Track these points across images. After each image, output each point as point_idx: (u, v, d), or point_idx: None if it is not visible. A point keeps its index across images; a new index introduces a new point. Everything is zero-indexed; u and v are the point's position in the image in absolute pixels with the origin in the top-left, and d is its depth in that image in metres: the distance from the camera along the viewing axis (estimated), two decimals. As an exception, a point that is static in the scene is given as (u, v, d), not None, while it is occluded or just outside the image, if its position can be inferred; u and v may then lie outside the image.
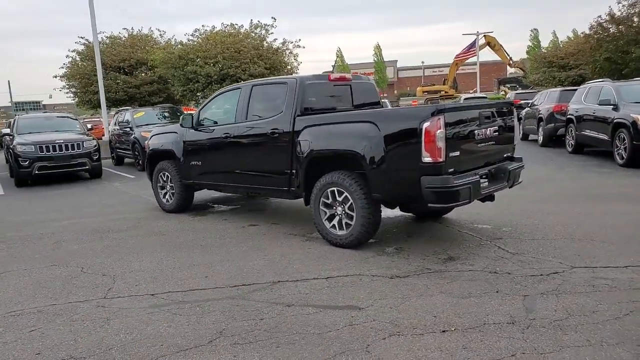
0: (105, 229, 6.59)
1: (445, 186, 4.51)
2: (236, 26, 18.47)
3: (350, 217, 5.10)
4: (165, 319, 3.58)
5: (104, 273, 4.72)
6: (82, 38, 21.15)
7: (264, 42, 18.32)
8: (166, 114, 16.60)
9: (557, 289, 3.85)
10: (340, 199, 5.16)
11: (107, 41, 21.75)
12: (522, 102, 18.96)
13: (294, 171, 5.65)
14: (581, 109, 11.93)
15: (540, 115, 14.44)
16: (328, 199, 5.26)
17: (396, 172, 4.76)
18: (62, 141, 11.87)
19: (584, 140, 11.75)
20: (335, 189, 5.18)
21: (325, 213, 5.32)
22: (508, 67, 51.08)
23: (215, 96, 7.12)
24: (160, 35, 22.07)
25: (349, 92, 6.36)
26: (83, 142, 12.12)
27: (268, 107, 6.07)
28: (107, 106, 19.89)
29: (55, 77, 21.37)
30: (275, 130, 5.79)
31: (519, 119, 17.71)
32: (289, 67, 18.45)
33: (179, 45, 17.96)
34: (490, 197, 5.37)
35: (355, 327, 3.33)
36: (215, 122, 6.80)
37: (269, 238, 5.76)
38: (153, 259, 5.14)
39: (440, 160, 4.49)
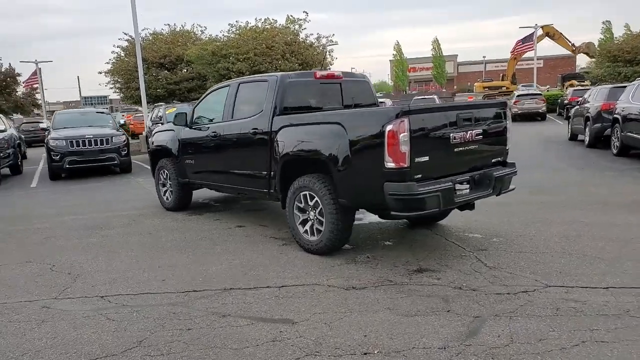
0: (99, 226, 6.72)
1: (408, 193, 4.22)
2: (271, 21, 18.50)
3: (321, 223, 4.90)
4: (96, 324, 3.55)
5: (70, 272, 4.78)
6: (126, 34, 21.92)
7: (298, 37, 18.23)
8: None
9: (516, 310, 3.50)
10: (311, 204, 4.98)
11: (150, 37, 22.41)
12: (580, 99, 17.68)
13: (272, 173, 5.51)
14: (627, 108, 11.01)
15: (587, 114, 13.42)
16: (301, 202, 5.09)
17: (360, 177, 4.51)
18: (91, 136, 12.31)
19: (628, 141, 10.84)
20: (307, 192, 5.00)
21: (299, 217, 5.15)
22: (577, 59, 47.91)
23: (208, 94, 7.08)
24: (201, 31, 22.52)
25: (339, 91, 6.12)
26: (112, 137, 12.51)
27: (251, 105, 5.95)
28: (147, 102, 20.53)
29: (100, 72, 22.28)
30: (256, 130, 5.67)
31: (568, 118, 16.62)
32: (323, 63, 18.23)
33: (215, 42, 18.19)
34: (469, 206, 5.01)
35: (276, 344, 3.15)
36: (210, 120, 6.76)
37: (248, 241, 5.66)
38: (125, 259, 5.16)
39: (405, 165, 4.20)
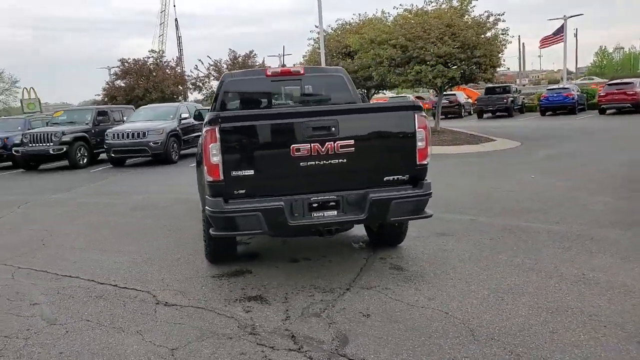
0: (139, 207, 7.97)
1: (215, 211, 3.95)
2: (436, 2, 17.33)
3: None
4: None
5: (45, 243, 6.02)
6: (317, 27, 23.50)
7: (464, 18, 16.62)
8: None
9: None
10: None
11: (336, 28, 23.50)
12: None
13: None
14: None
15: None
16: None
17: (202, 191, 4.38)
18: (130, 130, 14.28)
19: None
20: None
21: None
22: None
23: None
24: (386, 17, 22.46)
25: (299, 87, 5.78)
26: (148, 131, 14.11)
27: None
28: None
29: (294, 65, 24.54)
30: None
31: None
32: (496, 47, 16.13)
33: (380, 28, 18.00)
34: (328, 232, 4.26)
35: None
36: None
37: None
38: (96, 238, 6.19)
39: (218, 179, 3.94)
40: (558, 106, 28.03)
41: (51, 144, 14.13)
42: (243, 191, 4.00)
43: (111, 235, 6.52)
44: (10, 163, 15.64)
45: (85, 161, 14.82)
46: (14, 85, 68.02)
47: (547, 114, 28.29)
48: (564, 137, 16.13)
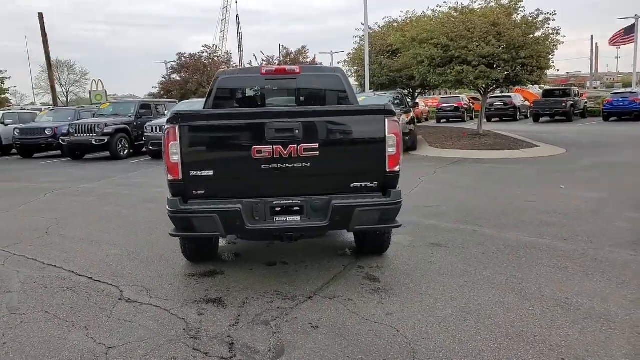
0: (153, 200, 8.16)
1: (172, 210, 3.93)
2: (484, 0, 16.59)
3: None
4: None
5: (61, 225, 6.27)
6: (363, 25, 23.20)
7: (512, 17, 15.79)
8: (390, 99, 16.88)
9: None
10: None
11: (382, 26, 23.11)
12: None
13: None
14: None
15: None
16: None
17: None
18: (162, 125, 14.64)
19: None
20: None
21: None
22: None
23: None
24: (436, 15, 21.81)
25: (294, 86, 5.67)
26: None
27: None
28: (371, 89, 21.52)
29: (338, 62, 24.39)
30: None
31: None
32: (545, 47, 15.22)
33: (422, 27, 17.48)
34: (288, 237, 4.11)
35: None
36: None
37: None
38: (100, 224, 6.38)
39: (177, 178, 3.92)
40: (623, 112, 26.28)
41: (94, 135, 14.82)
42: (202, 192, 3.96)
43: (115, 227, 6.70)
44: (59, 152, 16.58)
45: (125, 152, 15.44)
46: (84, 77, 72.34)
47: (610, 119, 26.59)
48: (617, 146, 15.04)
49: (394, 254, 5.18)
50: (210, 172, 3.92)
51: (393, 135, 3.99)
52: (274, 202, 3.98)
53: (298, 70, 5.63)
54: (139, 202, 8.33)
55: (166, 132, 3.88)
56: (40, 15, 28.88)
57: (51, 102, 33.75)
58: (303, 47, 38.33)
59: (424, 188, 9.11)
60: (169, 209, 3.98)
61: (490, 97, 36.71)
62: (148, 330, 3.59)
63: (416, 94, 24.93)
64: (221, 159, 3.99)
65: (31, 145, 16.87)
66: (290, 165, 3.91)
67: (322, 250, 5.39)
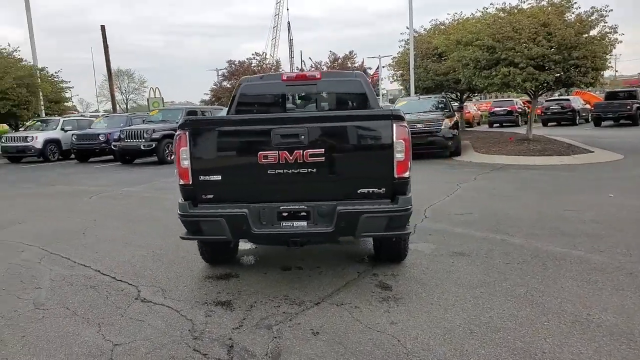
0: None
1: (182, 214, 4.04)
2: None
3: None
4: None
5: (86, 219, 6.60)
6: (407, 28, 22.95)
7: (564, 16, 15.08)
8: (434, 103, 16.59)
9: None
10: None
11: (428, 29, 22.72)
12: None
13: None
14: None
15: None
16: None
17: None
18: None
19: None
20: None
21: None
22: None
23: None
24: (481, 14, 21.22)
25: (314, 92, 5.70)
26: None
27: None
28: (416, 93, 21.23)
29: (384, 66, 24.20)
30: None
31: None
32: (601, 47, 14.41)
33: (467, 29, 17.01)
34: (293, 243, 4.09)
35: None
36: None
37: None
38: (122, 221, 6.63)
39: (188, 183, 4.02)
40: (697, 115, 24.48)
41: (142, 140, 15.47)
42: (211, 196, 4.04)
43: (146, 229, 6.95)
44: (112, 156, 17.42)
45: (172, 157, 15.94)
46: (142, 85, 75.85)
47: (684, 123, 24.82)
48: (683, 152, 14.02)
49: (412, 262, 5.06)
50: (219, 177, 3.99)
51: (402, 140, 3.90)
52: (281, 207, 4.00)
53: (319, 76, 5.65)
54: (173, 206, 8.53)
55: (177, 137, 3.99)
56: (102, 28, 30.59)
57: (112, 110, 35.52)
58: (351, 52, 38.41)
59: (460, 195, 8.85)
60: (179, 212, 4.08)
61: (547, 101, 35.37)
62: (155, 329, 3.69)
63: (464, 98, 24.31)
64: (229, 164, 4.06)
65: (87, 150, 17.87)
66: (296, 171, 3.92)
67: (339, 256, 5.35)
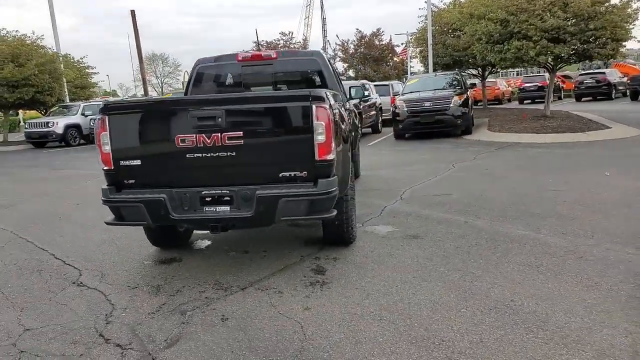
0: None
1: (103, 199, 4.04)
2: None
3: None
4: None
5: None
6: (425, 2, 22.19)
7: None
8: (448, 80, 16.06)
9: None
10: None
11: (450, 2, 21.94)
12: None
13: None
14: None
15: None
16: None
17: None
18: None
19: None
20: None
21: None
22: None
23: None
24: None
25: (270, 72, 5.59)
26: None
27: None
28: (434, 70, 20.64)
29: (402, 44, 23.57)
30: None
31: None
32: (620, 17, 13.46)
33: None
34: (213, 228, 4.02)
35: None
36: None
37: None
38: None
39: (110, 168, 4.03)
40: None
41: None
42: (133, 181, 4.02)
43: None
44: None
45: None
46: (176, 69, 77.00)
47: None
48: None
49: (361, 245, 4.95)
50: (138, 162, 3.97)
51: (322, 122, 3.76)
52: (203, 192, 3.95)
53: (274, 56, 5.53)
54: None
55: (98, 121, 3.99)
56: (132, 13, 30.91)
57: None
58: (378, 30, 37.70)
59: (449, 175, 8.58)
60: (102, 198, 4.10)
61: (581, 74, 33.70)
62: (74, 314, 3.75)
63: (486, 74, 23.47)
64: (147, 149, 4.02)
65: (104, 135, 18.26)
66: (215, 155, 3.85)
67: (290, 240, 5.28)
